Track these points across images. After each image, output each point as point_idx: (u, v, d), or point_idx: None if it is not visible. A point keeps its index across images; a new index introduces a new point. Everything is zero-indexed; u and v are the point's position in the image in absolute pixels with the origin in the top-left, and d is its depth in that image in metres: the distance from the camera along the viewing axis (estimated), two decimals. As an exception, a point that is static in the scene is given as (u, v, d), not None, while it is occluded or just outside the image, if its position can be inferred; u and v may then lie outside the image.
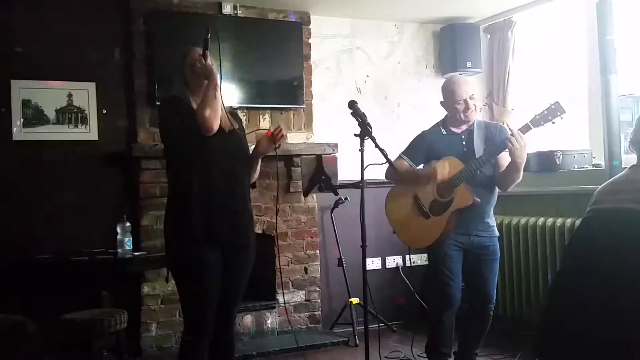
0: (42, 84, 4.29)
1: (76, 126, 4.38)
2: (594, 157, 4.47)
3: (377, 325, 4.48)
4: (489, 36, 5.55)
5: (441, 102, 3.50)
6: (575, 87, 4.90)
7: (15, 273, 3.98)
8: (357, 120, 3.02)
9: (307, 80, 4.97)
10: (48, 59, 4.29)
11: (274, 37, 4.84)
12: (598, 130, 4.25)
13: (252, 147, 3.06)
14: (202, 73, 2.85)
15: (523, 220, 4.56)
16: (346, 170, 4.67)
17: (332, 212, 4.99)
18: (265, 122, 4.87)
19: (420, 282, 5.07)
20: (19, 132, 4.23)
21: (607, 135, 3.97)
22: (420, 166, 3.52)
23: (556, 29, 5.12)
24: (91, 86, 4.39)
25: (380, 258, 5.26)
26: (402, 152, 3.52)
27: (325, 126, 5.03)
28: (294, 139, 4.88)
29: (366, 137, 2.98)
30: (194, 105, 2.85)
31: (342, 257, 4.90)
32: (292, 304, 4.88)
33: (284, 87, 4.89)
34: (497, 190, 3.47)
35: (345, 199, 4.86)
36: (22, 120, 4.24)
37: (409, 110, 5.40)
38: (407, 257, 5.25)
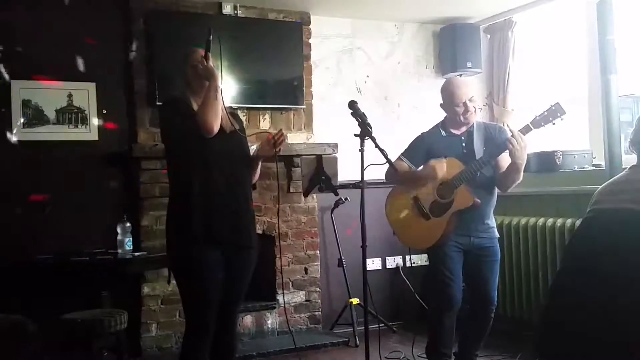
0: (42, 84, 4.29)
1: (76, 126, 4.38)
2: (594, 158, 4.46)
3: (377, 325, 4.48)
4: (489, 36, 5.55)
5: (440, 105, 3.50)
6: (575, 87, 4.90)
7: (15, 273, 3.98)
8: (357, 120, 3.01)
9: (307, 81, 4.97)
10: (48, 59, 4.29)
11: (274, 37, 4.84)
12: (598, 131, 4.25)
13: (252, 148, 3.06)
14: (204, 75, 2.85)
15: (523, 221, 4.56)
16: (346, 171, 4.67)
17: (332, 212, 4.99)
18: (265, 123, 4.87)
19: (421, 283, 5.07)
20: (19, 132, 4.23)
21: (607, 136, 3.97)
22: (420, 168, 3.52)
23: (556, 29, 5.12)
24: (91, 86, 4.40)
25: (380, 258, 5.26)
26: (402, 154, 3.52)
27: (325, 126, 5.03)
28: (294, 139, 4.88)
29: (366, 138, 2.98)
30: (195, 106, 2.85)
31: (342, 258, 4.90)
32: (292, 304, 4.88)
33: (284, 87, 4.89)
34: (496, 191, 3.47)
35: (346, 199, 4.86)
36: (22, 120, 4.24)
37: (409, 111, 5.40)
38: (407, 257, 5.26)
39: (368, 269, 3.62)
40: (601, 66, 3.98)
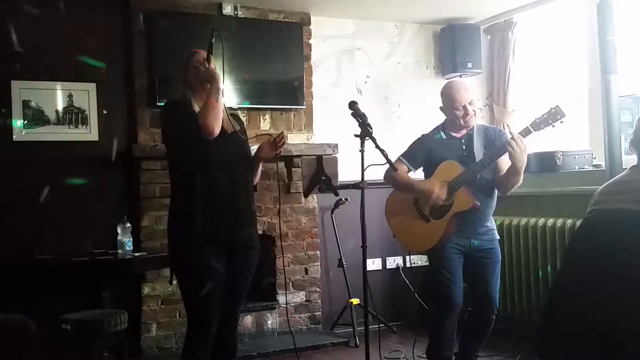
0: (42, 84, 4.29)
1: (76, 127, 4.38)
2: (595, 158, 4.46)
3: (377, 325, 4.48)
4: (489, 37, 5.55)
5: (440, 108, 3.49)
6: (575, 88, 4.90)
7: (15, 273, 3.98)
8: (357, 120, 3.01)
9: (307, 81, 4.97)
10: (48, 59, 4.29)
11: (275, 37, 4.84)
12: (598, 131, 4.25)
13: (253, 149, 3.06)
14: (205, 77, 2.85)
15: (523, 221, 4.56)
16: (346, 171, 4.66)
17: (332, 212, 4.99)
18: (265, 123, 4.87)
19: (421, 285, 5.07)
20: (20, 132, 4.24)
21: (607, 136, 3.98)
22: (420, 169, 3.52)
23: (556, 30, 5.13)
24: (91, 87, 4.40)
25: (380, 259, 5.26)
26: (401, 155, 3.50)
27: (325, 127, 5.03)
28: (295, 139, 4.88)
29: (366, 138, 2.97)
30: (196, 108, 2.86)
31: (343, 258, 4.90)
32: (292, 304, 4.88)
33: (285, 88, 4.89)
34: (496, 194, 3.46)
35: (346, 199, 4.86)
36: (22, 120, 4.24)
37: (409, 111, 5.40)
38: (408, 257, 5.26)
39: (368, 269, 3.61)
40: (601, 66, 3.98)
